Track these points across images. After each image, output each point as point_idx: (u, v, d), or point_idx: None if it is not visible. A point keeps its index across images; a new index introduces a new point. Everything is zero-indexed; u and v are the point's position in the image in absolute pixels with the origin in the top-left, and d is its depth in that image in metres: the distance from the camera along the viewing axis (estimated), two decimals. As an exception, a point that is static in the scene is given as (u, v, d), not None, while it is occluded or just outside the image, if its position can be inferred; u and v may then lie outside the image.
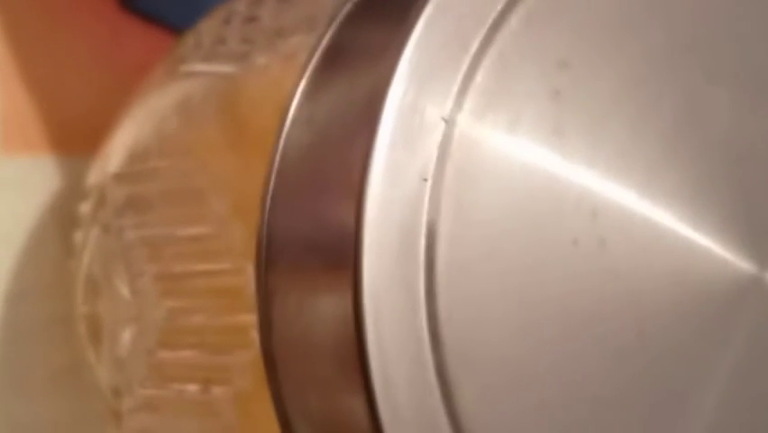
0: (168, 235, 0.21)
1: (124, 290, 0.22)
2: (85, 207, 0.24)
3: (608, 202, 0.17)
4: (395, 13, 0.17)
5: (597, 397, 0.17)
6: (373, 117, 0.16)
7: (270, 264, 0.18)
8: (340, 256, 0.16)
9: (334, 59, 0.18)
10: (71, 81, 0.29)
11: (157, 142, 0.22)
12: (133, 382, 0.21)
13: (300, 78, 0.18)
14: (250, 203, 0.18)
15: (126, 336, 0.22)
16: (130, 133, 0.24)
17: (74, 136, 0.29)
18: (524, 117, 0.17)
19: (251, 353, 0.18)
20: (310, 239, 0.17)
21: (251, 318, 0.18)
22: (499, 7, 0.17)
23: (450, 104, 0.16)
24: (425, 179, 0.16)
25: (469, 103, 0.16)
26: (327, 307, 0.17)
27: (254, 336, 0.18)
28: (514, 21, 0.17)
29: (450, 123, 0.16)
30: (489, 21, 0.17)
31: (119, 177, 0.23)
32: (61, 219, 0.28)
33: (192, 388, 0.20)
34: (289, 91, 0.18)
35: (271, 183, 0.18)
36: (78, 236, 0.24)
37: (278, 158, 0.18)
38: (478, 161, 0.16)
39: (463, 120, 0.16)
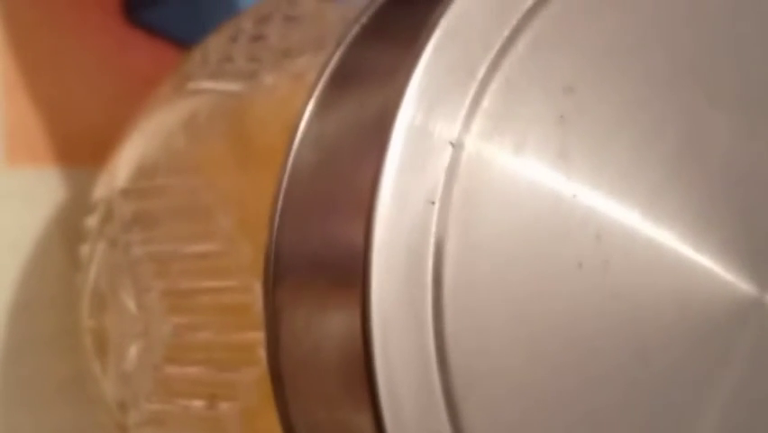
0: (175, 252, 0.21)
1: (131, 305, 0.22)
2: (91, 221, 0.24)
3: (611, 224, 0.17)
4: (403, 36, 0.17)
5: (600, 416, 0.17)
6: (382, 140, 0.16)
7: (278, 282, 0.18)
8: (348, 276, 0.16)
9: (343, 81, 0.18)
10: (77, 93, 0.29)
11: (164, 158, 0.22)
12: (140, 397, 0.22)
13: (309, 97, 0.18)
14: (257, 221, 0.18)
15: (133, 350, 0.22)
16: (137, 148, 0.24)
17: (79, 148, 0.29)
18: (530, 141, 0.17)
19: (258, 370, 0.18)
20: (318, 258, 0.17)
21: (258, 336, 0.18)
22: (506, 33, 0.17)
23: (457, 127, 0.16)
24: (433, 202, 0.16)
25: (476, 126, 0.17)
26: (335, 325, 0.17)
27: (261, 353, 0.18)
28: (521, 46, 0.17)
29: (457, 146, 0.16)
30: (497, 46, 0.17)
31: (126, 192, 0.23)
32: (66, 231, 0.28)
33: (198, 404, 0.20)
34: (298, 110, 0.18)
35: (280, 201, 0.18)
36: (85, 250, 0.24)
37: (286, 177, 0.18)
38: (485, 183, 0.17)
39: (471, 143, 0.17)
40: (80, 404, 0.27)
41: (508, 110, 0.17)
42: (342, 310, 0.16)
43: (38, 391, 0.27)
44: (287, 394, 0.18)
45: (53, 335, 0.27)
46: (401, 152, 0.16)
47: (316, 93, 0.18)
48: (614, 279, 0.17)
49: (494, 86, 0.17)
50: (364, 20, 0.19)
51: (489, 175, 0.17)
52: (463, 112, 0.17)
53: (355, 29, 0.19)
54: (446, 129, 0.16)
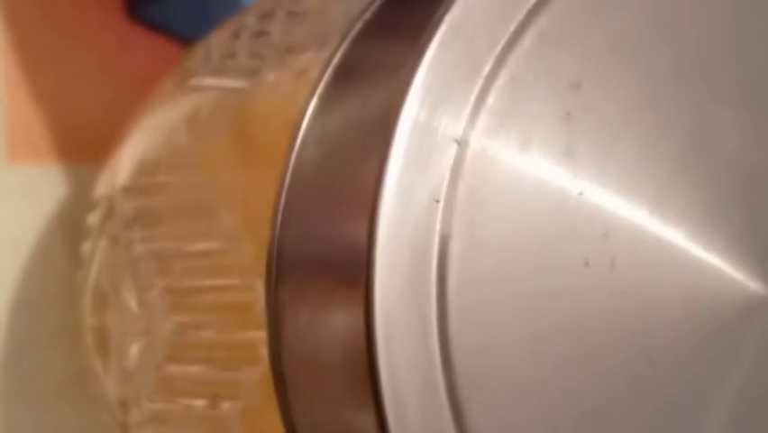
0: (177, 250, 0.21)
1: (133, 304, 0.22)
2: (93, 218, 0.24)
3: (618, 222, 0.17)
4: (407, 32, 0.17)
5: (605, 414, 0.17)
6: (386, 137, 0.16)
7: (280, 280, 0.18)
8: (351, 274, 0.16)
9: (346, 77, 0.18)
10: (79, 90, 0.29)
11: (166, 155, 0.22)
12: (141, 396, 0.21)
13: (312, 94, 0.18)
14: (260, 218, 0.18)
15: (134, 349, 0.22)
16: (139, 145, 0.24)
17: (81, 145, 0.29)
18: (535, 138, 0.17)
19: (260, 369, 0.18)
20: (321, 256, 0.17)
21: (260, 334, 0.18)
22: (512, 29, 0.17)
23: (462, 124, 0.16)
24: (437, 200, 0.16)
25: (481, 123, 0.16)
26: (338, 324, 0.17)
27: (263, 352, 0.18)
28: (526, 42, 0.17)
29: (462, 143, 0.16)
30: (502, 42, 0.17)
31: (128, 189, 0.23)
32: (68, 228, 0.28)
33: (200, 403, 0.20)
34: (301, 107, 0.18)
35: (282, 199, 0.18)
36: (86, 247, 0.24)
37: (289, 174, 0.18)
38: (490, 181, 0.16)
39: (476, 140, 0.16)
40: (81, 403, 0.27)
41: (514, 107, 0.17)
42: (346, 308, 0.16)
43: (39, 389, 0.27)
44: (289, 393, 0.17)
45: (54, 332, 0.27)
46: (405, 149, 0.16)
47: (319, 90, 0.18)
48: (620, 277, 0.17)
49: (499, 82, 0.17)
50: (368, 16, 0.19)
51: (495, 172, 0.16)
52: (468, 109, 0.16)
53: (358, 25, 0.19)
54: (451, 126, 0.16)
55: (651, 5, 0.18)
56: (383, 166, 0.16)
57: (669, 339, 0.18)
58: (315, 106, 0.18)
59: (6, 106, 0.28)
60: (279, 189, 0.18)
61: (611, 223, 0.17)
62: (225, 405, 0.19)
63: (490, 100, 0.17)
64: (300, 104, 0.18)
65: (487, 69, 0.17)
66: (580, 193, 0.17)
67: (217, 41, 0.23)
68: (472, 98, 0.16)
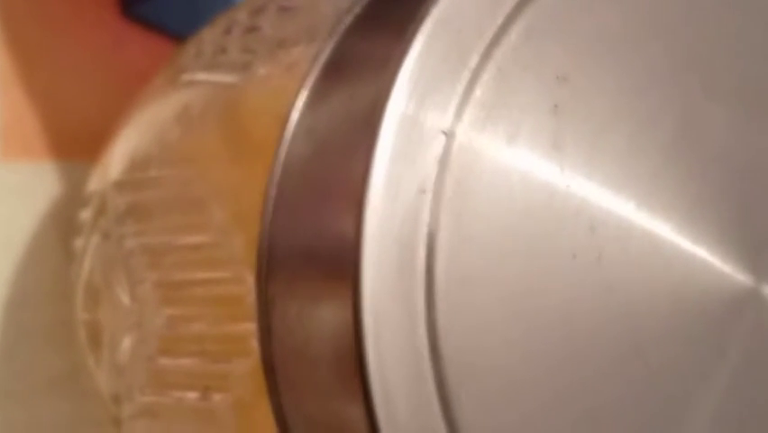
0: (168, 244, 0.21)
1: (125, 298, 0.22)
2: (85, 214, 0.24)
3: (606, 215, 0.17)
4: (395, 26, 0.17)
5: (594, 409, 0.17)
6: (373, 130, 0.16)
7: (271, 274, 0.18)
8: (340, 267, 0.16)
9: (335, 71, 0.18)
10: (72, 88, 0.29)
11: (158, 150, 0.22)
12: (133, 389, 0.22)
13: (301, 88, 0.18)
14: (250, 212, 0.18)
15: (126, 343, 0.22)
16: (131, 140, 0.24)
17: (74, 143, 0.29)
18: (523, 130, 0.17)
19: (251, 361, 0.18)
20: (310, 249, 0.17)
21: (250, 327, 0.18)
22: (499, 21, 0.17)
23: (450, 117, 0.16)
24: (424, 192, 0.16)
25: (468, 116, 0.16)
26: (327, 316, 0.17)
27: (254, 344, 0.18)
28: (513, 35, 0.17)
29: (449, 135, 0.16)
30: (489, 34, 0.17)
31: (120, 184, 0.23)
32: (61, 225, 0.28)
33: (192, 395, 0.20)
34: (290, 101, 0.18)
35: (272, 193, 0.18)
36: (79, 243, 0.24)
37: (279, 168, 0.18)
38: (477, 173, 0.16)
39: (463, 133, 0.16)
40: (75, 397, 0.27)
41: (501, 99, 0.17)
42: (335, 302, 0.16)
43: (32, 384, 0.27)
44: (279, 385, 0.18)
45: (48, 328, 0.27)
46: (392, 141, 0.16)
47: (309, 84, 0.18)
48: (608, 270, 0.17)
49: (486, 75, 0.17)
50: (357, 10, 0.19)
51: (482, 165, 0.17)
52: (456, 101, 0.16)
53: (348, 19, 0.19)
54: (438, 119, 0.16)
55: None
56: (370, 158, 0.16)
57: (657, 333, 0.18)
58: (304, 101, 0.18)
59: (0, 103, 0.28)
60: (269, 183, 0.18)
61: (598, 216, 0.17)
62: (217, 397, 0.20)
63: (478, 93, 0.17)
64: (290, 98, 0.18)
65: (474, 61, 0.17)
66: (568, 186, 0.17)
67: (209, 36, 0.23)
68: (460, 91, 0.16)
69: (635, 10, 0.18)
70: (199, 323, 0.20)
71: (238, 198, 0.20)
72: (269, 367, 0.18)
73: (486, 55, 0.17)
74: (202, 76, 0.22)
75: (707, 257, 0.18)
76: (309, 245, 0.17)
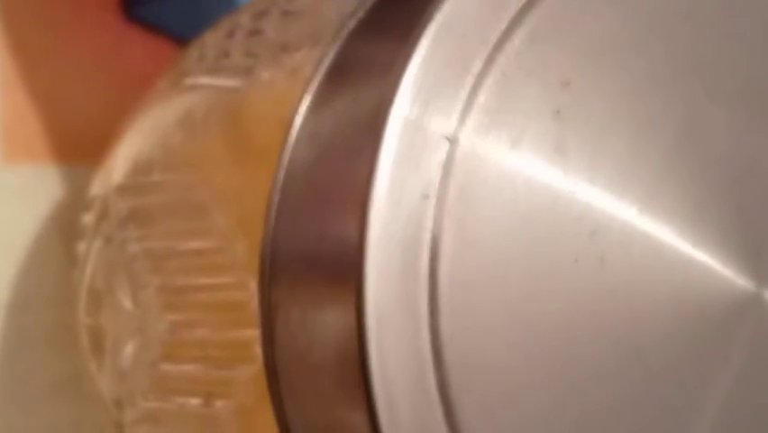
0: (171, 249, 0.21)
1: (127, 303, 0.22)
2: (87, 218, 0.24)
3: (609, 219, 0.17)
4: (399, 30, 0.17)
5: (595, 412, 0.17)
6: (377, 135, 0.16)
7: (274, 279, 0.18)
8: (343, 272, 0.16)
9: (339, 75, 0.18)
10: (74, 90, 0.29)
11: (160, 155, 0.22)
12: (136, 395, 0.22)
13: (304, 93, 0.18)
14: (253, 217, 0.18)
15: (129, 348, 0.22)
16: (133, 144, 0.24)
17: (77, 145, 0.29)
18: (526, 136, 0.17)
19: (254, 367, 0.18)
20: (313, 255, 0.17)
21: (253, 333, 0.18)
22: (503, 27, 0.17)
23: (453, 122, 0.16)
24: (428, 197, 0.16)
25: (472, 121, 0.16)
26: (330, 322, 0.17)
27: (257, 350, 0.18)
28: (517, 40, 0.17)
29: (453, 141, 0.16)
30: (493, 40, 0.17)
31: (122, 189, 0.23)
32: (64, 228, 0.28)
33: (194, 401, 0.20)
34: (294, 106, 0.18)
35: (275, 198, 0.18)
36: (81, 247, 0.24)
37: (282, 173, 0.18)
38: (480, 179, 0.16)
39: (466, 138, 0.16)
40: (77, 402, 0.27)
41: (505, 105, 0.17)
42: (338, 307, 0.16)
43: (34, 388, 0.27)
44: (282, 391, 0.18)
45: (50, 332, 0.27)
46: (396, 146, 0.16)
47: (312, 88, 0.18)
48: (610, 275, 0.17)
49: (490, 80, 0.17)
50: (361, 14, 0.19)
51: (485, 170, 0.17)
52: (459, 106, 0.16)
53: (352, 23, 0.19)
54: (442, 124, 0.16)
55: (644, 3, 0.18)
56: (374, 163, 0.16)
57: (659, 337, 0.18)
58: (308, 105, 0.18)
59: (1, 106, 0.28)
60: (272, 188, 0.18)
61: (601, 221, 0.17)
62: (219, 403, 0.20)
63: (481, 98, 0.17)
64: (294, 102, 0.18)
65: (478, 66, 0.17)
66: (571, 191, 0.17)
67: (212, 40, 0.23)
68: (463, 96, 0.16)
69: (637, 13, 0.18)
70: (202, 329, 0.20)
71: (241, 203, 0.20)
72: (272, 373, 0.18)
73: (489, 60, 0.17)
74: (205, 80, 0.22)
75: (708, 261, 0.18)
76: (312, 250, 0.17)
